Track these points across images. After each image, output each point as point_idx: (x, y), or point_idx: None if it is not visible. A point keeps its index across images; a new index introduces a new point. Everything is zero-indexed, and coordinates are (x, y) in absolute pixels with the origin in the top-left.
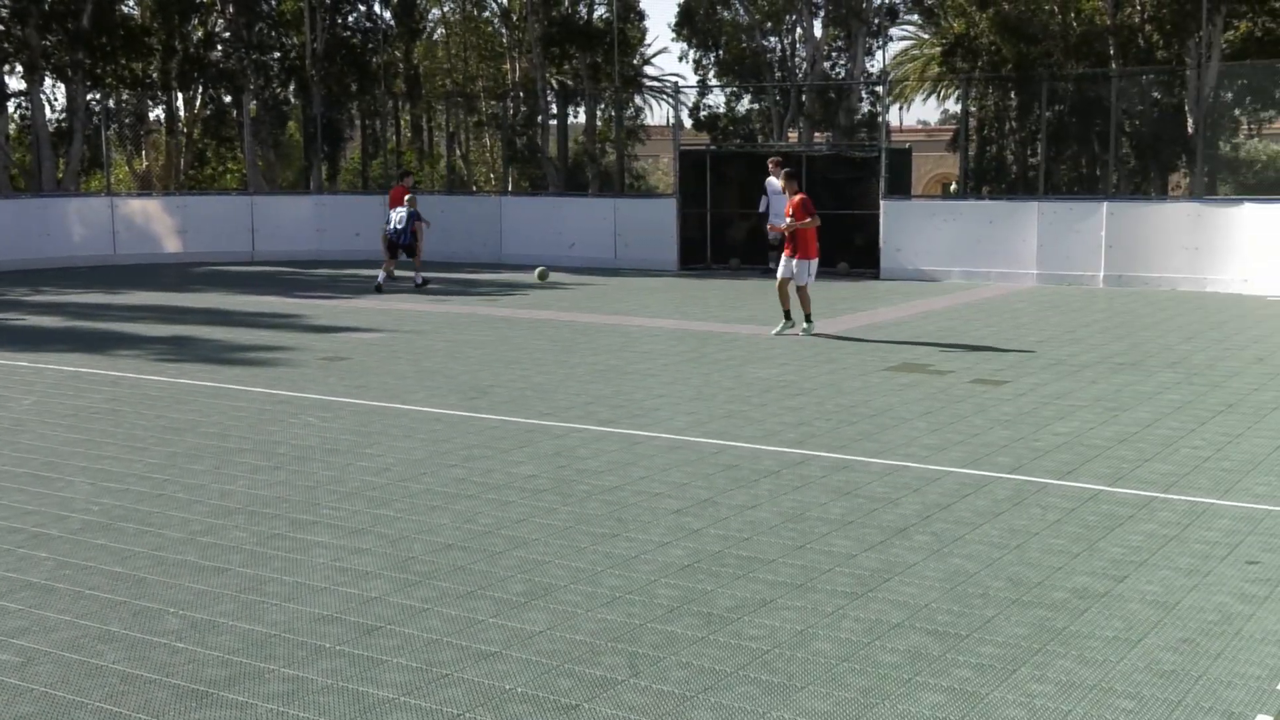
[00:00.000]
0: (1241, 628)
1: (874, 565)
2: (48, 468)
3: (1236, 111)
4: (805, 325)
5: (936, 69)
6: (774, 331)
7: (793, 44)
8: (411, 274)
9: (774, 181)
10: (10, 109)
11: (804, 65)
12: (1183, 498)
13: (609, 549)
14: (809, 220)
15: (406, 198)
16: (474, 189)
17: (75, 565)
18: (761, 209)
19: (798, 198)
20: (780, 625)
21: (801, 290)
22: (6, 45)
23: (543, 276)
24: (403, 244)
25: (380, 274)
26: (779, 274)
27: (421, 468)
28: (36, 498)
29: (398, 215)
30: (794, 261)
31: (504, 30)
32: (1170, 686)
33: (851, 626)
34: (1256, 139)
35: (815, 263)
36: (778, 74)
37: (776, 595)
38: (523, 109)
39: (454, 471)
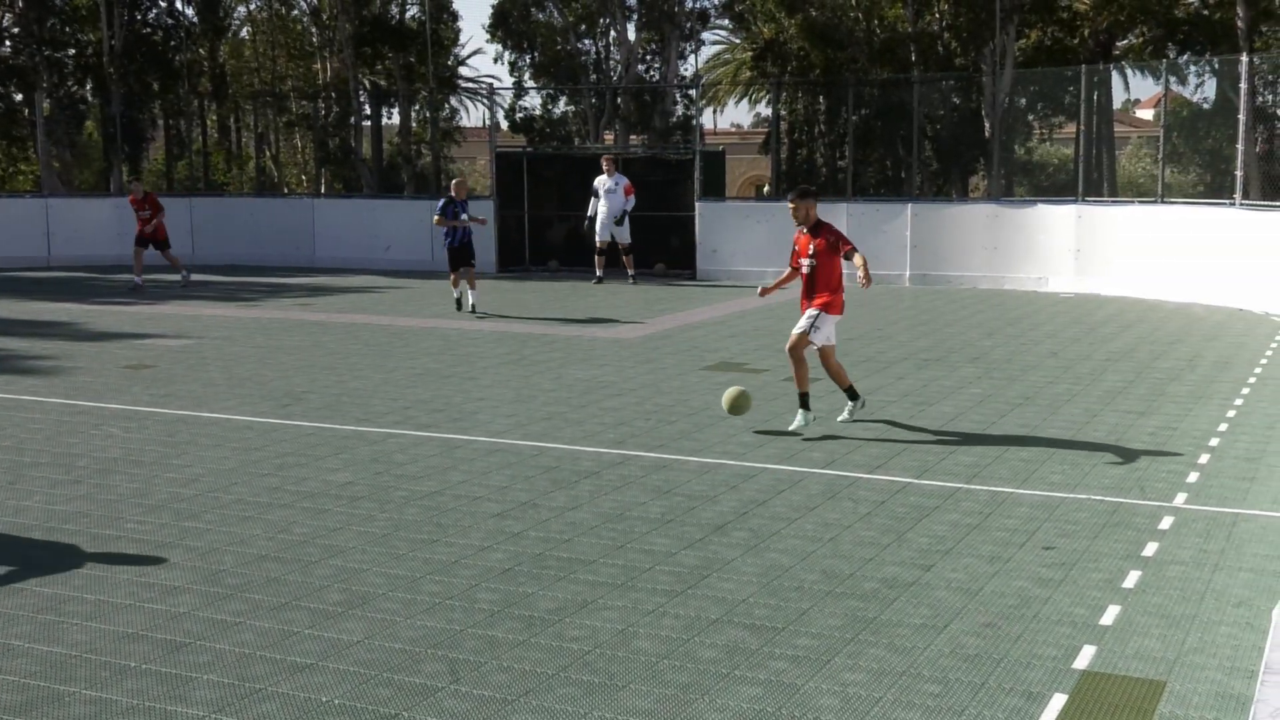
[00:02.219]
0: (1039, 611)
1: (693, 562)
2: None
3: (1030, 116)
4: (851, 405)
5: (748, 73)
6: (840, 418)
7: (607, 47)
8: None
9: (604, 180)
10: None
11: (619, 68)
12: (984, 488)
13: (428, 555)
14: (859, 255)
15: (455, 185)
16: (285, 191)
17: None
18: (590, 213)
19: (822, 236)
20: (601, 625)
21: (799, 343)
22: None
23: (737, 408)
24: (465, 243)
25: (464, 293)
26: (817, 343)
27: (232, 478)
28: None
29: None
30: (816, 312)
31: (314, 29)
32: (974, 670)
33: (671, 624)
34: (1048, 143)
35: (835, 321)
36: (593, 76)
37: (597, 596)
38: (335, 109)
39: (267, 481)
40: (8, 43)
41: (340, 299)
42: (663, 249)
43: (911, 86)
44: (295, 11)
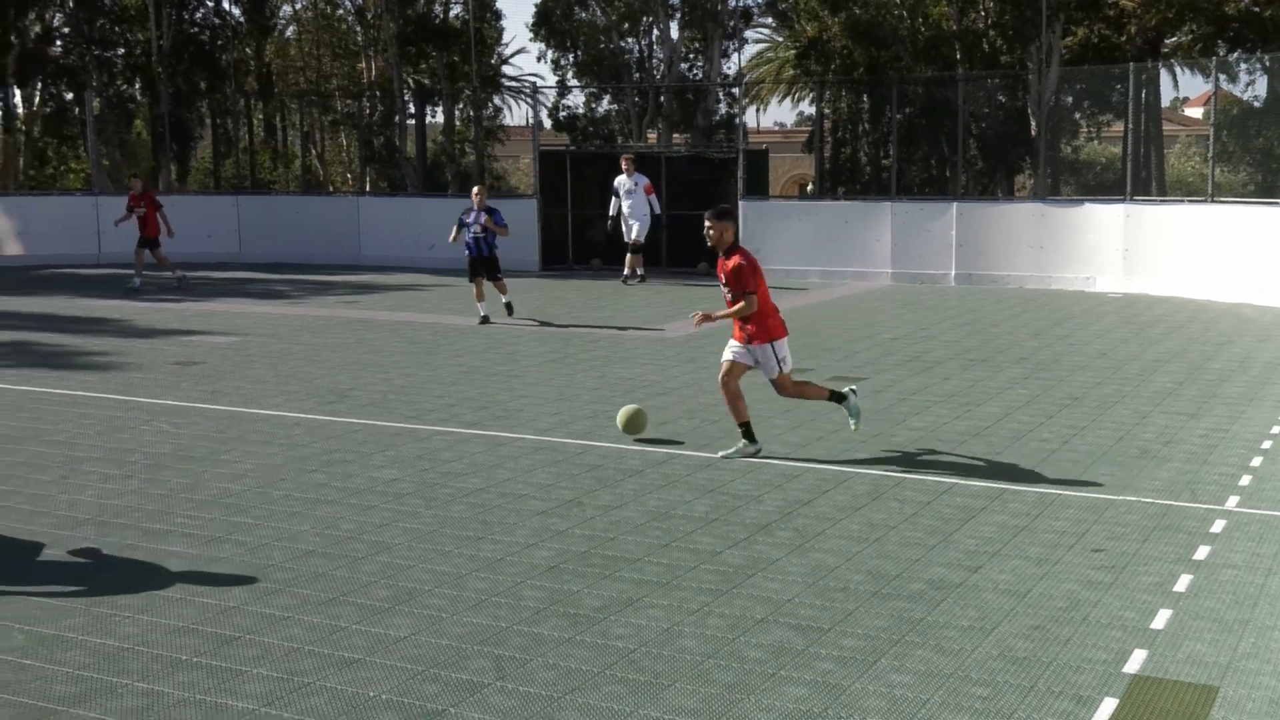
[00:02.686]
0: (1089, 614)
1: (738, 562)
2: None
3: (1076, 115)
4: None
5: (791, 71)
6: (723, 454)
7: (650, 45)
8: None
9: (624, 180)
10: None
11: (661, 67)
12: (1032, 489)
13: (474, 552)
14: (744, 304)
15: (475, 191)
16: (330, 189)
17: None
18: (613, 212)
19: (734, 260)
20: (646, 624)
21: (783, 383)
22: None
23: (632, 426)
24: (484, 255)
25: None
26: (727, 359)
27: (280, 474)
28: None
29: (471, 221)
30: (751, 348)
31: (358, 28)
32: (1022, 673)
33: (717, 623)
34: (1096, 141)
35: (784, 342)
36: (636, 75)
37: (642, 594)
38: (379, 108)
39: (314, 477)
40: (59, 43)
41: (385, 297)
42: (705, 248)
43: (956, 85)
44: (340, 11)
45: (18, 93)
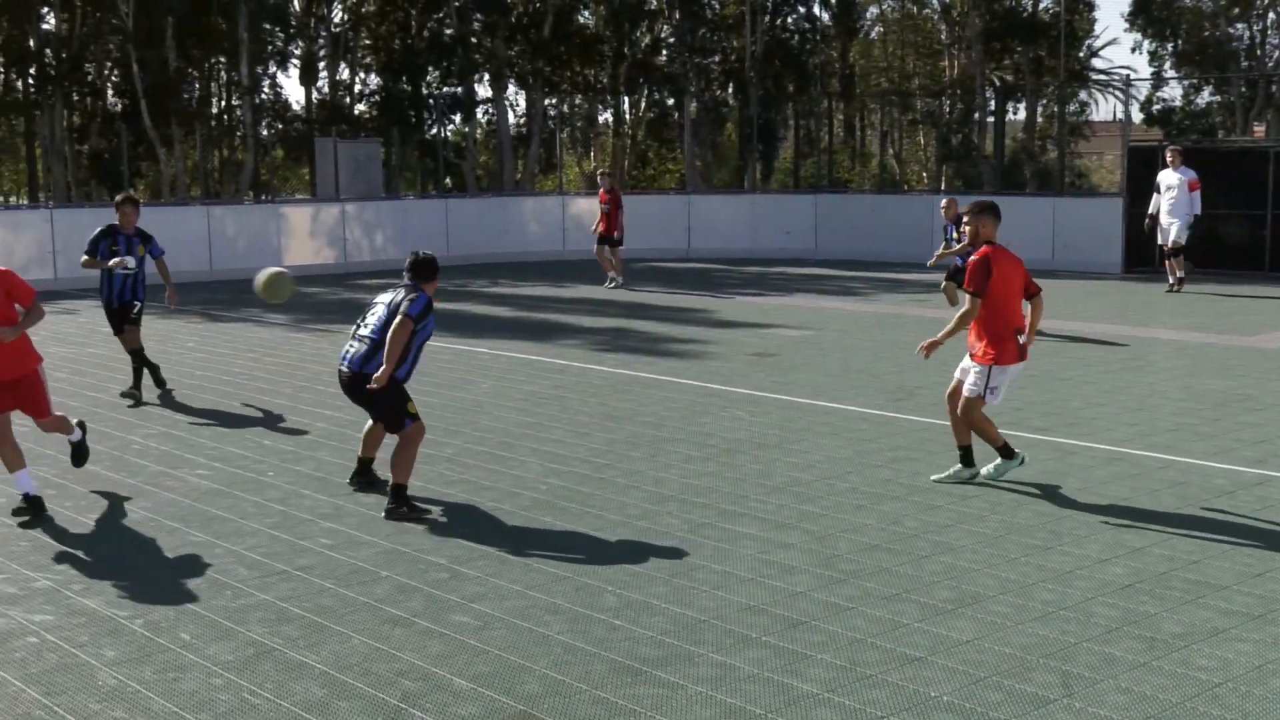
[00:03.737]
0: None
1: None
2: (503, 447)
3: None
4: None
5: None
6: (935, 478)
7: (1263, 31)
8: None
9: (1167, 175)
10: (479, 115)
11: (1275, 53)
12: None
13: (1041, 561)
14: (967, 307)
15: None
16: (906, 188)
17: (526, 538)
18: (1152, 210)
19: (975, 254)
20: (1235, 657)
21: (966, 404)
22: (477, 56)
23: (272, 291)
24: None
25: None
26: (956, 376)
27: (847, 466)
28: (493, 474)
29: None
30: (971, 363)
31: (943, 26)
32: None
33: None
34: None
35: (1007, 369)
36: (1245, 64)
37: (1230, 625)
38: (959, 106)
39: (879, 472)
40: (664, 52)
41: None
42: None
43: None
44: (926, 10)
45: (626, 99)
